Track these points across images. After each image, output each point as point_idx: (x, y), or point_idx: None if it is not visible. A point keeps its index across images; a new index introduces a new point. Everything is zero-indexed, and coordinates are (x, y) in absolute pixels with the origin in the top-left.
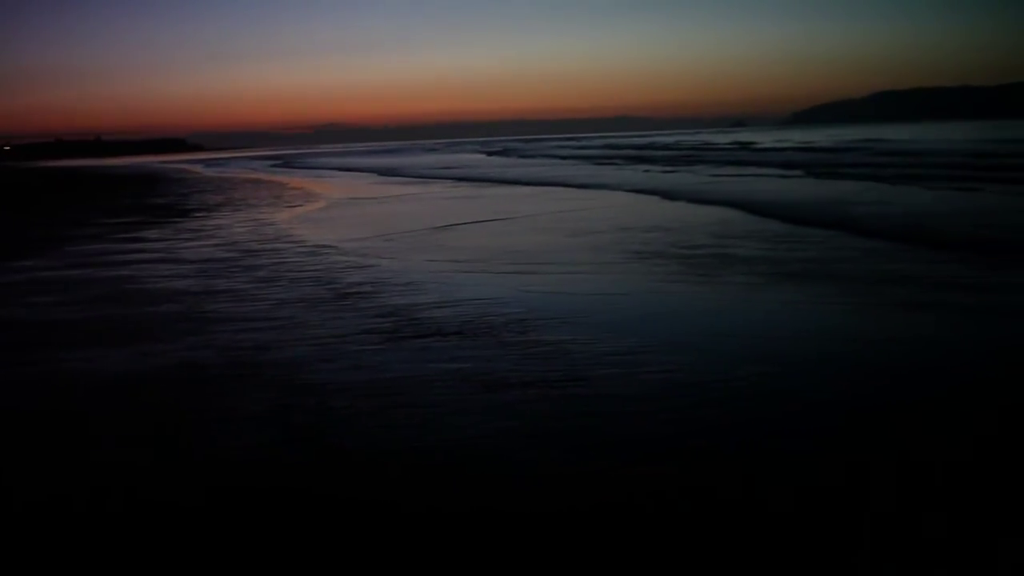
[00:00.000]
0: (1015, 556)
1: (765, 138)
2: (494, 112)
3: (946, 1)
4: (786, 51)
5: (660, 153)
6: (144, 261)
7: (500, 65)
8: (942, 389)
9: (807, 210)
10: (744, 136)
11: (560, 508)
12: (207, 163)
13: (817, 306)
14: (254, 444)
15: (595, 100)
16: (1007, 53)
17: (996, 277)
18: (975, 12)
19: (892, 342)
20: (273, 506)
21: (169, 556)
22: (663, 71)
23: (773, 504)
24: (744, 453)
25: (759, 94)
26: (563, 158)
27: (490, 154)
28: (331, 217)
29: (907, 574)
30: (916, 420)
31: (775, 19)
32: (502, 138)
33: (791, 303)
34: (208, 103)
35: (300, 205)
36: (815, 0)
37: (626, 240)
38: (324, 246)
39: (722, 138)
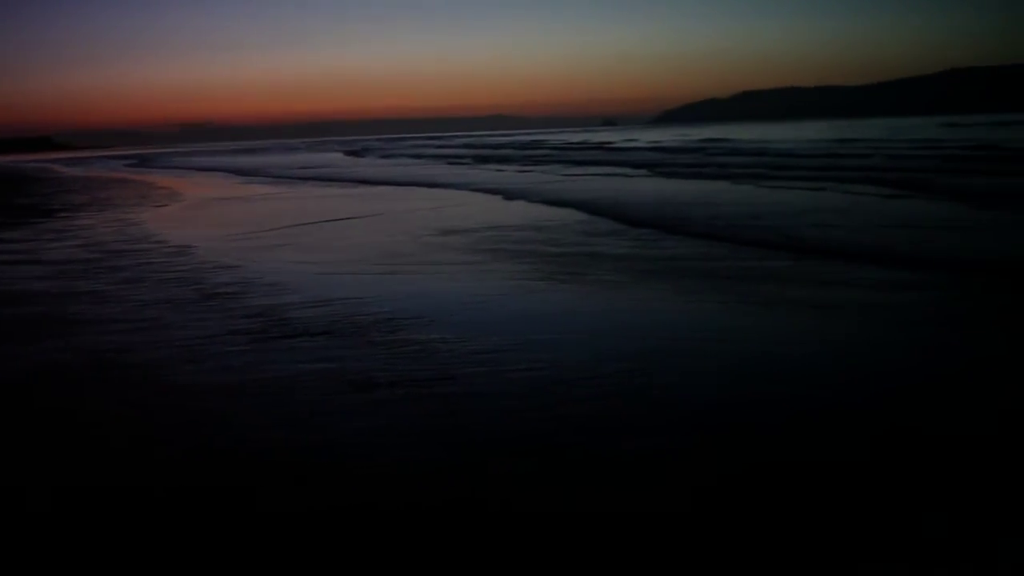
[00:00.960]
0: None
1: (623, 137)
2: (366, 111)
3: (810, 3)
4: (655, 51)
5: (519, 152)
6: (5, 263)
7: (374, 64)
8: (801, 383)
9: (644, 210)
10: (607, 135)
11: (432, 504)
12: (69, 162)
13: (677, 304)
14: (121, 447)
15: (470, 99)
16: (869, 54)
17: (845, 274)
18: (838, 14)
19: (750, 339)
20: (144, 506)
21: (30, 556)
22: (536, 71)
23: (640, 501)
24: (610, 450)
25: (630, 94)
26: (420, 158)
27: (349, 154)
28: (196, 217)
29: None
30: (780, 415)
31: (644, 20)
32: (371, 137)
33: (647, 301)
34: (76, 101)
35: (165, 205)
36: (684, 1)
37: (484, 240)
38: (189, 246)
39: (586, 137)
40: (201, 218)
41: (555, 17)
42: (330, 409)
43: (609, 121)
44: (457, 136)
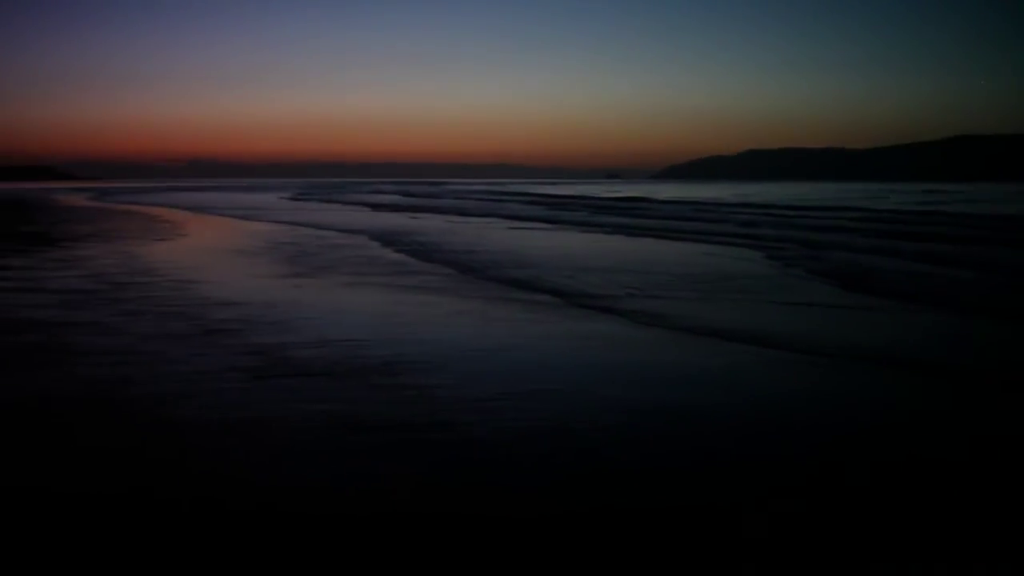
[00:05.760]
0: None
1: (627, 191)
2: (377, 154)
3: (818, 65)
4: (662, 107)
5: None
6: (6, 289)
7: (385, 106)
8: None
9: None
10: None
11: (419, 551)
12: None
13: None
14: (118, 480)
15: (479, 146)
16: (877, 118)
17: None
18: (846, 77)
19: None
20: (121, 550)
21: None
22: (545, 122)
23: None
24: (602, 506)
25: (636, 148)
26: (358, 204)
27: (293, 198)
28: (194, 251)
29: None
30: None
31: (646, 75)
32: (371, 180)
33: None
34: (81, 131)
35: (168, 238)
36: (692, 59)
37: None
38: (191, 280)
39: (585, 189)
40: (196, 252)
41: (563, 69)
42: (329, 451)
43: (613, 174)
44: (451, 183)
